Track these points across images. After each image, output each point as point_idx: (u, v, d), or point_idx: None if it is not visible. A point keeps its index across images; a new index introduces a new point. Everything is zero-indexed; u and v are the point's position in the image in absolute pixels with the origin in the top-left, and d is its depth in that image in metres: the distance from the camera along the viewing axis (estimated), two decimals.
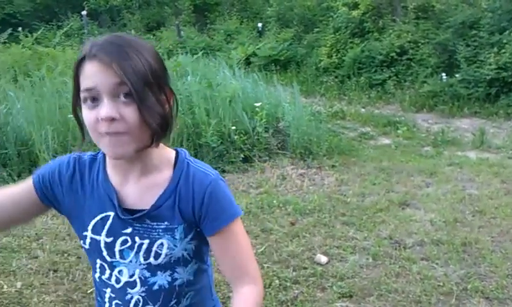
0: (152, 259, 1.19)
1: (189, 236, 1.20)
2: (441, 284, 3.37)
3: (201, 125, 5.81)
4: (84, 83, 1.08)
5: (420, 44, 10.34)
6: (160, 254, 1.19)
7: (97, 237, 1.21)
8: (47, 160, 4.95)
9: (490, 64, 8.87)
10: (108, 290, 1.25)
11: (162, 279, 1.21)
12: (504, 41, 9.12)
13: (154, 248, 1.18)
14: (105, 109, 1.05)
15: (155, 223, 1.18)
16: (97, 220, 1.20)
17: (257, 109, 6.14)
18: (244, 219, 4.12)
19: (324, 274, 3.49)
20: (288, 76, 11.34)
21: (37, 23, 15.66)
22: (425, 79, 9.79)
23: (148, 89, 1.07)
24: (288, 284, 3.37)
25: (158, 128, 1.10)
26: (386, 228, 4.22)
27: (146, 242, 1.18)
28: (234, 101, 6.36)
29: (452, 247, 3.87)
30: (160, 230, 1.18)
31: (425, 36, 10.43)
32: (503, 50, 8.94)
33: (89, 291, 3.25)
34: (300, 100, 7.18)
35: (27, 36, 11.08)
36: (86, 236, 1.22)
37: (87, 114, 1.09)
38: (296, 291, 3.30)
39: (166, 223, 1.18)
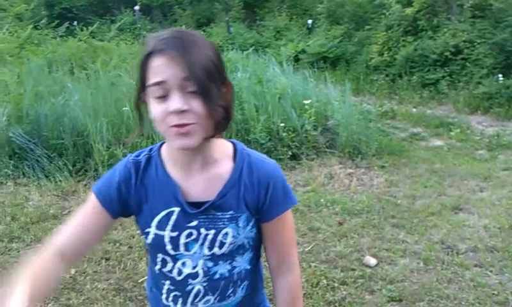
0: (216, 249, 1.23)
1: (250, 224, 1.25)
2: (496, 292, 3.25)
3: (250, 120, 5.84)
4: (153, 77, 1.11)
5: (475, 44, 9.99)
6: (224, 244, 1.23)
7: (161, 233, 1.23)
8: (101, 151, 5.11)
9: None
10: (167, 282, 1.28)
11: (223, 268, 1.25)
12: None
13: (219, 238, 1.22)
14: (175, 102, 1.10)
15: (220, 213, 1.22)
16: (161, 217, 1.22)
17: (306, 106, 6.10)
18: None
19: (372, 277, 3.44)
20: (337, 74, 11.22)
21: (92, 18, 16.14)
22: (480, 80, 9.46)
23: (212, 82, 1.12)
24: (336, 284, 3.34)
25: (221, 119, 1.15)
26: (438, 232, 4.11)
27: (212, 232, 1.22)
28: (283, 98, 6.34)
29: (507, 254, 3.72)
30: (226, 219, 1.22)
31: (481, 36, 10.07)
32: None
33: (139, 281, 3.33)
34: (350, 99, 7.09)
35: (82, 30, 11.43)
36: (149, 232, 1.24)
37: (155, 108, 1.12)
38: (344, 292, 3.27)
39: (231, 212, 1.22)
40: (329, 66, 11.59)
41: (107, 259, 3.62)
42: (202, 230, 1.22)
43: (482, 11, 10.74)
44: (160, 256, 1.25)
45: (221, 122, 1.15)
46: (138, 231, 1.32)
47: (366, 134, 6.33)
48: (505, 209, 4.58)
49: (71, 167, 5.16)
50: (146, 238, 1.25)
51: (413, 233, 4.09)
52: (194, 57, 1.10)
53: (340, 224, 4.28)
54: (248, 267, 1.29)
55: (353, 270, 3.52)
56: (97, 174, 5.08)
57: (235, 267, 1.27)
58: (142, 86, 1.15)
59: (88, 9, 18.22)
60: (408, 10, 11.02)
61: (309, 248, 3.83)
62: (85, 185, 4.98)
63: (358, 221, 4.31)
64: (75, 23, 13.73)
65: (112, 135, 5.34)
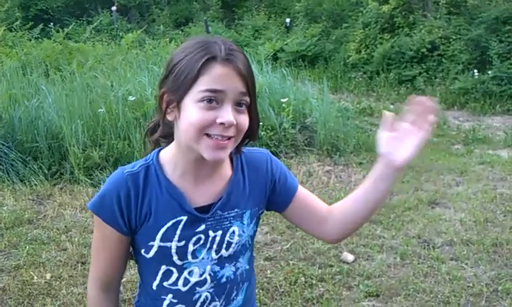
0: (223, 251, 1.23)
1: (253, 222, 1.27)
2: (471, 285, 3.29)
3: None
4: (211, 83, 1.09)
5: (451, 40, 10.13)
6: (231, 244, 1.23)
7: (167, 244, 1.19)
8: (76, 153, 5.04)
9: None
10: (169, 296, 1.24)
11: (229, 270, 1.25)
12: None
13: (226, 238, 1.23)
14: (228, 115, 1.09)
15: (226, 212, 1.22)
16: (167, 228, 1.19)
17: (284, 105, 6.11)
18: (270, 216, 4.11)
19: (350, 273, 3.46)
20: (316, 72, 11.26)
21: (68, 19, 15.95)
22: (456, 76, 9.59)
23: (255, 99, 1.17)
24: (314, 281, 3.35)
25: (255, 136, 1.20)
26: (415, 227, 4.15)
27: (219, 233, 1.22)
28: (261, 96, 6.34)
29: (482, 247, 3.78)
30: (232, 218, 1.23)
31: (456, 32, 10.21)
32: None
33: None
34: (328, 96, 7.12)
35: (58, 31, 11.28)
36: (151, 246, 1.20)
37: (199, 113, 1.09)
38: (322, 289, 3.28)
39: (236, 210, 1.23)
40: (307, 64, 11.62)
41: (83, 264, 3.57)
42: (210, 233, 1.21)
43: (457, 8, 10.90)
44: (163, 268, 1.21)
45: (250, 137, 1.19)
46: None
47: (344, 131, 6.37)
48: (480, 203, 4.65)
49: (46, 171, 5.09)
50: (146, 252, 1.20)
51: (390, 229, 4.12)
52: (250, 74, 1.13)
53: None
54: (247, 267, 1.30)
55: (331, 266, 3.54)
56: (73, 177, 5.01)
57: (238, 268, 1.27)
58: (188, 87, 1.11)
59: (64, 11, 17.99)
60: (385, 8, 11.12)
61: (287, 246, 3.83)
62: (61, 188, 4.91)
63: None
64: (51, 24, 13.56)
65: (88, 137, 5.27)
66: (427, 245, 3.84)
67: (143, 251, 1.21)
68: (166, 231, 1.18)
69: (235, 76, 1.10)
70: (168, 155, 1.22)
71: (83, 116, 5.48)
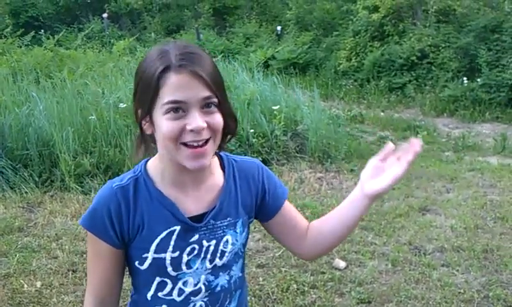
0: (217, 260, 1.22)
1: (245, 230, 1.28)
2: (462, 291, 3.31)
3: None
4: (171, 95, 1.08)
5: (440, 48, 10.23)
6: (225, 253, 1.23)
7: (161, 255, 1.18)
8: (67, 161, 5.01)
9: None
10: None
11: (223, 279, 1.25)
12: None
13: (220, 247, 1.22)
14: (196, 120, 1.08)
15: (219, 221, 1.22)
16: (161, 239, 1.18)
17: (275, 112, 6.13)
18: None
19: (342, 279, 3.46)
20: (307, 79, 11.31)
21: (59, 26, 15.90)
22: (445, 83, 9.69)
23: (225, 95, 1.14)
24: (306, 288, 3.35)
25: (235, 130, 1.18)
26: (406, 234, 4.17)
27: (213, 242, 1.21)
28: (252, 104, 6.36)
29: (473, 253, 3.80)
30: (225, 227, 1.22)
31: (446, 40, 10.32)
32: None
33: None
34: (319, 104, 7.15)
35: (49, 38, 11.23)
36: (145, 258, 1.18)
37: (168, 125, 1.09)
38: (314, 296, 3.28)
39: (229, 219, 1.23)
40: (298, 72, 11.68)
41: (74, 271, 3.55)
42: (204, 242, 1.20)
43: (446, 16, 11.01)
44: (157, 279, 1.20)
45: (234, 133, 1.19)
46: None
47: (335, 138, 6.40)
48: (470, 209, 4.68)
49: (37, 178, 5.05)
50: (140, 264, 1.19)
51: (382, 235, 4.14)
52: (212, 73, 1.10)
53: None
54: (240, 274, 1.30)
55: (323, 273, 3.54)
56: (64, 184, 4.98)
57: (232, 277, 1.27)
58: (151, 102, 1.10)
59: (55, 18, 17.96)
60: (375, 16, 11.22)
61: (279, 253, 3.83)
62: (51, 196, 4.88)
63: None
64: (42, 31, 13.49)
65: (79, 144, 5.25)
66: (418, 252, 3.86)
67: (136, 262, 1.20)
68: (160, 242, 1.17)
69: (193, 81, 1.07)
70: (154, 166, 1.21)
71: (74, 123, 5.46)
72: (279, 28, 14.63)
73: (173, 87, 1.07)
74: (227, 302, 1.28)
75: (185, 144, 1.10)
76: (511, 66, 8.83)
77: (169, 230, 1.17)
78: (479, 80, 9.22)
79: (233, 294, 1.29)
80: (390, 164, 1.21)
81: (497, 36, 9.58)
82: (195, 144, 1.09)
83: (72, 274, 3.53)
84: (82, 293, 3.29)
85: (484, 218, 4.48)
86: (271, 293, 3.29)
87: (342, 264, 3.65)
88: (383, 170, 1.22)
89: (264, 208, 1.29)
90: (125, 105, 5.81)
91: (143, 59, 1.16)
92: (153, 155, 1.23)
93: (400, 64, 10.54)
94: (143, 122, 1.14)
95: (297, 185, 5.37)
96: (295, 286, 3.37)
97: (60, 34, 12.02)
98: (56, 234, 4.15)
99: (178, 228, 1.17)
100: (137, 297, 1.27)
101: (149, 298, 1.23)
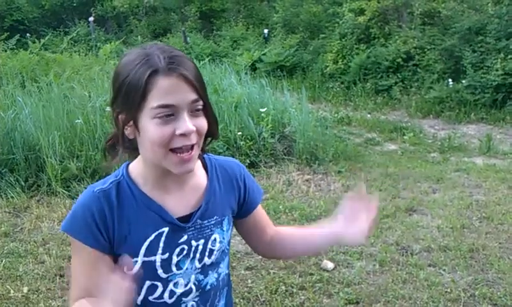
0: (206, 259, 1.23)
1: (230, 227, 1.30)
2: (449, 290, 3.34)
3: None
4: (161, 99, 1.06)
5: (426, 50, 10.32)
6: (213, 251, 1.24)
7: (151, 258, 1.17)
8: (53, 165, 4.98)
9: (497, 70, 8.84)
10: None
11: (212, 277, 1.26)
12: (511, 46, 9.09)
13: (209, 246, 1.23)
14: (186, 124, 1.08)
15: (206, 221, 1.23)
16: (150, 242, 1.16)
17: (263, 114, 6.14)
18: None
19: (330, 280, 3.48)
20: (294, 82, 11.34)
21: (45, 30, 15.81)
22: (431, 85, 9.77)
23: (208, 98, 1.14)
24: (294, 290, 3.36)
25: (217, 133, 1.20)
26: (393, 234, 4.20)
27: (202, 242, 1.22)
28: (240, 106, 6.37)
29: (459, 253, 3.84)
30: (212, 225, 1.24)
31: (431, 42, 10.41)
32: (509, 56, 8.91)
33: None
34: (306, 106, 7.18)
35: (34, 42, 11.16)
36: (135, 262, 1.16)
37: (158, 130, 1.07)
38: (302, 297, 3.29)
39: (215, 217, 1.24)
40: (286, 74, 11.71)
41: (61, 276, 3.53)
42: (193, 242, 1.20)
43: (431, 19, 11.12)
44: (147, 283, 1.19)
45: (212, 136, 1.19)
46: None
47: (323, 141, 6.43)
48: (456, 209, 4.73)
49: (23, 183, 5.01)
50: (128, 270, 1.15)
51: (369, 236, 4.15)
52: (195, 75, 1.10)
53: None
54: (227, 271, 1.32)
55: (311, 274, 3.55)
56: (50, 189, 4.95)
57: (220, 274, 1.28)
58: (138, 106, 1.07)
59: (40, 21, 17.83)
60: (361, 18, 11.28)
61: None
62: (38, 200, 4.84)
63: None
64: (28, 35, 13.40)
65: (65, 148, 5.22)
66: (406, 252, 3.89)
67: (125, 268, 1.16)
68: (149, 245, 1.16)
69: (182, 84, 1.07)
70: (136, 169, 1.19)
71: (60, 127, 5.42)
72: (266, 31, 14.67)
73: (163, 91, 1.06)
74: (217, 300, 1.29)
75: (173, 151, 1.09)
76: (495, 67, 8.94)
77: (157, 232, 1.16)
78: (463, 81, 9.31)
79: (222, 291, 1.30)
80: (363, 207, 1.33)
81: (481, 37, 9.69)
82: (183, 149, 1.09)
83: (59, 278, 3.50)
84: None
85: (470, 218, 4.53)
86: (259, 295, 3.30)
87: (330, 265, 3.67)
88: (357, 213, 1.32)
89: (241, 207, 1.32)
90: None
91: (121, 63, 1.13)
92: (133, 159, 1.21)
93: (386, 66, 10.62)
94: (126, 127, 1.13)
95: (285, 187, 5.38)
96: (283, 287, 3.38)
97: (46, 38, 11.94)
98: (42, 239, 4.12)
99: (166, 229, 1.17)
100: None
101: (139, 303, 1.21)
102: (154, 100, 1.06)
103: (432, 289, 3.36)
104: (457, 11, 11.01)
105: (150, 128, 1.07)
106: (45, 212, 4.61)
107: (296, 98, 7.82)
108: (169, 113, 1.07)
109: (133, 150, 1.18)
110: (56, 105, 5.83)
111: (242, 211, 1.32)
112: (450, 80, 9.59)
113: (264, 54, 12.66)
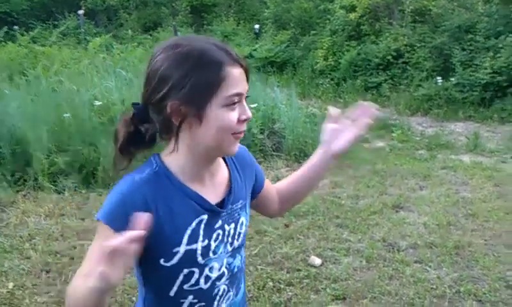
0: (235, 243, 1.28)
1: (249, 210, 1.37)
2: (434, 287, 3.37)
3: None
4: (235, 88, 1.14)
5: (416, 47, 10.37)
6: (240, 234, 1.30)
7: (193, 246, 1.17)
8: (41, 159, 4.94)
9: (485, 69, 8.91)
10: (189, 298, 1.21)
11: (238, 260, 1.30)
12: (500, 45, 9.16)
13: (238, 229, 1.28)
14: (249, 111, 1.18)
15: (234, 205, 1.28)
16: (192, 230, 1.17)
17: (253, 110, 6.12)
18: None
19: (317, 276, 3.50)
20: (284, 78, 11.35)
21: (33, 22, 15.61)
22: (420, 83, 9.82)
23: None
24: (282, 286, 3.37)
25: None
26: (380, 231, 4.22)
27: (232, 226, 1.27)
28: None
29: (445, 250, 3.88)
30: (239, 209, 1.29)
31: (421, 40, 10.47)
32: (498, 55, 8.98)
33: None
34: (296, 102, 7.19)
35: (23, 35, 11.05)
36: (176, 252, 1.15)
37: (230, 116, 1.14)
38: (290, 293, 3.30)
39: (241, 201, 1.30)
40: (276, 70, 11.72)
41: (47, 272, 3.51)
42: (226, 227, 1.25)
43: (422, 16, 11.16)
44: (185, 271, 1.18)
45: None
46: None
47: (312, 137, 6.43)
48: (443, 206, 4.77)
49: (9, 177, 4.97)
50: (166, 261, 1.15)
51: (356, 232, 4.19)
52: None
53: (287, 226, 4.32)
54: (244, 254, 1.35)
55: (299, 270, 3.57)
56: (37, 183, 4.91)
57: (242, 256, 1.33)
58: (210, 95, 1.12)
59: (29, 14, 17.62)
60: (352, 15, 11.31)
61: (256, 251, 3.85)
62: (24, 195, 4.81)
63: (303, 223, 4.37)
64: (16, 28, 13.25)
65: (53, 143, 5.17)
66: (392, 249, 3.92)
67: (162, 260, 1.15)
68: (191, 233, 1.17)
69: (243, 75, 1.17)
70: (174, 160, 1.18)
71: (48, 121, 5.38)
72: (257, 26, 14.64)
73: (235, 80, 1.14)
74: (240, 283, 1.34)
75: (233, 134, 1.17)
76: (483, 66, 9.01)
77: (198, 220, 1.18)
78: (452, 79, 9.37)
79: (242, 274, 1.35)
80: (345, 126, 1.41)
81: (471, 36, 9.75)
82: (242, 132, 1.18)
83: (45, 274, 3.48)
84: (56, 293, 3.25)
85: (456, 215, 4.57)
86: (247, 291, 3.29)
87: (318, 261, 3.68)
88: (340, 132, 1.41)
89: (254, 187, 1.39)
90: (100, 103, 5.75)
91: (175, 57, 1.12)
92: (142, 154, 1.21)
93: (376, 63, 10.65)
94: (186, 118, 1.13)
95: (273, 183, 5.36)
96: (271, 283, 3.39)
97: (35, 31, 11.83)
98: (28, 234, 4.09)
99: (205, 216, 1.19)
100: (152, 297, 1.22)
101: (172, 294, 1.19)
102: (229, 89, 1.13)
103: (418, 285, 3.39)
104: (447, 9, 11.08)
105: (223, 116, 1.13)
106: (32, 206, 4.57)
107: (286, 94, 7.82)
108: (238, 101, 1.15)
109: (149, 145, 1.20)
110: (44, 99, 5.79)
111: (255, 190, 1.40)
112: (439, 78, 9.65)
113: (254, 50, 12.65)
